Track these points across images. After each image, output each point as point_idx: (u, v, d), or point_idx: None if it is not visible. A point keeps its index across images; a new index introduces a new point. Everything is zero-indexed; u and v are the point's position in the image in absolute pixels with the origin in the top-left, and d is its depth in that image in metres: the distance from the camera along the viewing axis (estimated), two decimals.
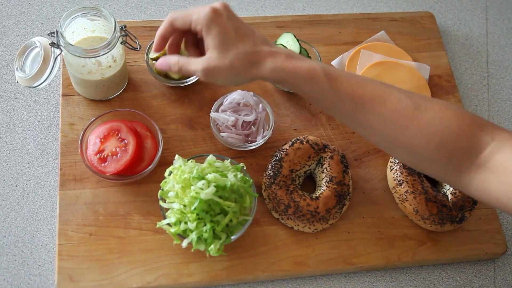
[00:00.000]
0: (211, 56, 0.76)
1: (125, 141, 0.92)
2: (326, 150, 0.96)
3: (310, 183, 0.99)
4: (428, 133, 0.73)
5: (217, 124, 0.98)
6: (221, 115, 0.97)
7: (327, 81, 0.75)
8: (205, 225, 0.83)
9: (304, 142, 0.96)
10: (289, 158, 0.94)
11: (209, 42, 0.76)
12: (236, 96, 0.98)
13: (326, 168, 0.95)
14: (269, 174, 0.94)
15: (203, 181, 0.83)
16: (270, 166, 0.94)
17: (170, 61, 0.81)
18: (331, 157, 0.95)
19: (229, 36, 0.76)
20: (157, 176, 0.93)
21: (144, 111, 0.99)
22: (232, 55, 0.75)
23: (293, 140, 0.96)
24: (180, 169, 0.86)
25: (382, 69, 1.09)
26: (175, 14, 0.79)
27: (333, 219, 0.93)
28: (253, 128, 0.97)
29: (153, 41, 1.02)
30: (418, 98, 0.76)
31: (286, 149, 0.95)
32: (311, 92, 0.76)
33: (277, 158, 0.94)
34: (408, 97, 0.75)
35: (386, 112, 0.74)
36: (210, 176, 0.84)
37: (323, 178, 0.95)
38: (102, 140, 0.93)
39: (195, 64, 0.78)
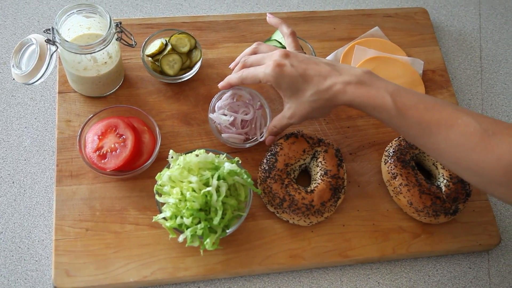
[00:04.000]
0: (290, 106, 0.89)
1: (123, 136, 0.93)
2: (321, 144, 0.97)
3: (305, 177, 0.99)
4: (495, 157, 0.73)
5: (215, 122, 0.98)
6: (220, 116, 0.97)
7: (395, 109, 0.79)
8: (199, 222, 0.84)
9: (299, 136, 0.96)
10: (284, 152, 0.94)
11: (282, 93, 0.89)
12: (231, 92, 0.98)
13: (320, 161, 0.96)
14: (264, 168, 0.94)
15: (195, 178, 0.83)
16: (265, 160, 0.95)
17: (269, 130, 0.95)
18: (326, 151, 0.96)
19: (298, 84, 0.85)
20: (153, 171, 0.93)
21: (140, 108, 0.99)
22: (307, 99, 0.86)
23: (287, 134, 0.97)
24: (174, 163, 0.87)
25: (377, 64, 1.10)
26: (244, 73, 0.90)
27: (328, 212, 0.94)
28: (252, 125, 0.98)
29: (148, 38, 1.03)
30: (487, 122, 0.76)
31: (281, 143, 0.96)
32: (379, 117, 0.82)
33: (272, 152, 0.95)
34: (477, 121, 0.75)
35: (453, 136, 0.76)
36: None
37: (317, 172, 0.96)
38: (100, 137, 0.94)
39: (284, 117, 0.91)
